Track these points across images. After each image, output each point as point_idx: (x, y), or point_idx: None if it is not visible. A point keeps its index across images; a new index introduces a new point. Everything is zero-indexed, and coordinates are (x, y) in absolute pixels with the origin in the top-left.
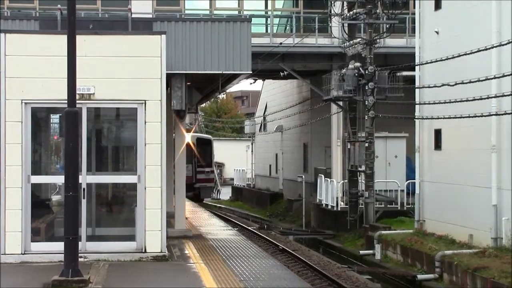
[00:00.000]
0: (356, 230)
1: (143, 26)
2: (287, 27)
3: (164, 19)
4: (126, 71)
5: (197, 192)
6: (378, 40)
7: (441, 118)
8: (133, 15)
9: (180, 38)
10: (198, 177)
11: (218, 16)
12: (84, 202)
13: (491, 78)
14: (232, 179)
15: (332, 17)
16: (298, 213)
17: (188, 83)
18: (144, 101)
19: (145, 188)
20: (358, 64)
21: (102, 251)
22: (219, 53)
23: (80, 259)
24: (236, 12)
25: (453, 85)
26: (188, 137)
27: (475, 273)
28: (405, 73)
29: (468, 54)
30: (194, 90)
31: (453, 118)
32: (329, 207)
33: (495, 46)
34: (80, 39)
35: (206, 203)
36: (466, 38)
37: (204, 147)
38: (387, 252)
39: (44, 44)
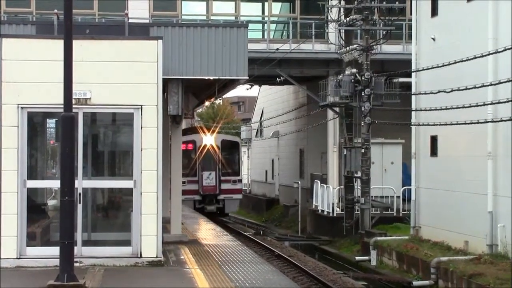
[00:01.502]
0: (352, 236)
1: (139, 31)
2: (284, 33)
3: (161, 24)
4: (123, 76)
5: (221, 205)
6: (374, 47)
7: (437, 124)
8: (130, 20)
9: (176, 43)
10: (222, 187)
11: (214, 21)
12: (80, 207)
13: (487, 85)
14: None
15: (329, 23)
16: (294, 218)
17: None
18: (140, 106)
19: (141, 193)
20: (354, 70)
21: (98, 256)
22: (215, 58)
23: (75, 264)
24: (233, 18)
25: (449, 92)
26: (211, 139)
27: (471, 279)
28: (401, 79)
29: (465, 61)
30: (190, 95)
31: (449, 124)
32: (325, 213)
33: (492, 53)
34: (76, 44)
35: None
36: (463, 44)
37: (230, 150)
38: (383, 258)
39: (40, 48)
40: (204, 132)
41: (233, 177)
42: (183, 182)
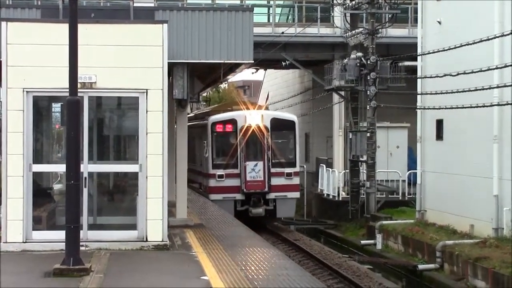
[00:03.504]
0: (357, 220)
1: (145, 15)
2: (289, 17)
3: (166, 8)
4: (128, 60)
5: (272, 206)
6: (380, 30)
7: (442, 108)
8: (135, 4)
9: (182, 27)
10: (273, 182)
11: (220, 5)
12: (85, 191)
13: (493, 69)
14: None
15: (335, 6)
16: (299, 203)
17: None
18: (145, 90)
19: (146, 177)
20: (360, 54)
21: (104, 239)
22: (221, 42)
23: (81, 248)
24: (238, 2)
25: (455, 75)
26: (257, 117)
27: (476, 263)
28: (407, 63)
29: (470, 44)
30: (196, 79)
31: (455, 108)
32: (331, 197)
33: (497, 37)
34: (81, 28)
35: None
36: (469, 28)
37: (283, 133)
38: (388, 242)
39: (45, 32)
40: (247, 108)
41: (287, 169)
42: (221, 176)
